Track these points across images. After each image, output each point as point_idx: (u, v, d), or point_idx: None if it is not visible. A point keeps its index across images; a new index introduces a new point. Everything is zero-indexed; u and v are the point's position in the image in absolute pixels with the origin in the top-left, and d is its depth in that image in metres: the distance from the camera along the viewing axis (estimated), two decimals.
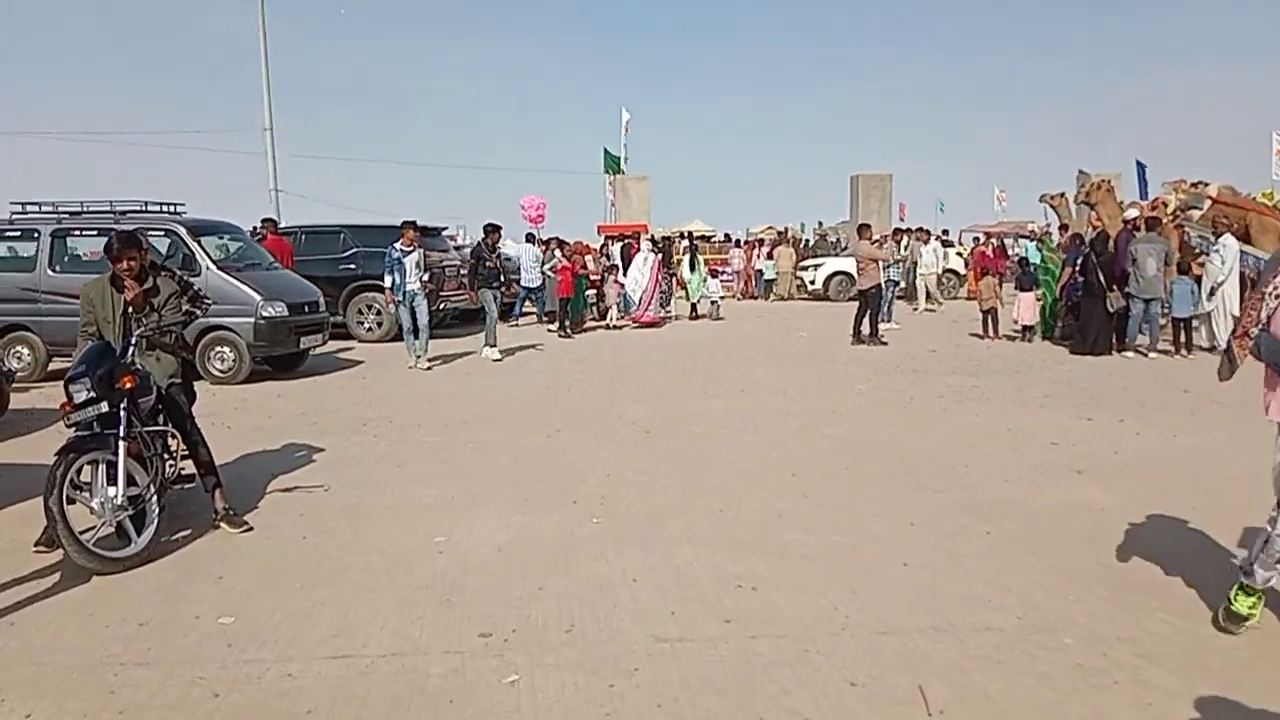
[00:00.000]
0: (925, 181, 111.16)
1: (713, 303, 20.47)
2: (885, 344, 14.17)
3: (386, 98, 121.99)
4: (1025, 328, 14.23)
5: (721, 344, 14.94)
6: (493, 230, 13.66)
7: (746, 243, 29.03)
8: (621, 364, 12.65)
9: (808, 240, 35.66)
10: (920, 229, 23.36)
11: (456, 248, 20.18)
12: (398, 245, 12.26)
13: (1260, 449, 6.55)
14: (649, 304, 18.43)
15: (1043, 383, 10.38)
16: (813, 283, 25.49)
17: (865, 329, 14.49)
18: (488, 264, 13.35)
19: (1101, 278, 12.48)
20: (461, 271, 17.67)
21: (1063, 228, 20.64)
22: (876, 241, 16.17)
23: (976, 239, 31.25)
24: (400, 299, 12.23)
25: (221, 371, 11.23)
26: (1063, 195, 23.33)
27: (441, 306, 16.66)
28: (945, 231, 25.09)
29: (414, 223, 12.50)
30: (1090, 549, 4.79)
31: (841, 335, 15.44)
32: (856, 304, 15.22)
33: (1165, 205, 14.68)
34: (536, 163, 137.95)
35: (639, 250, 19.03)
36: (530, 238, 19.73)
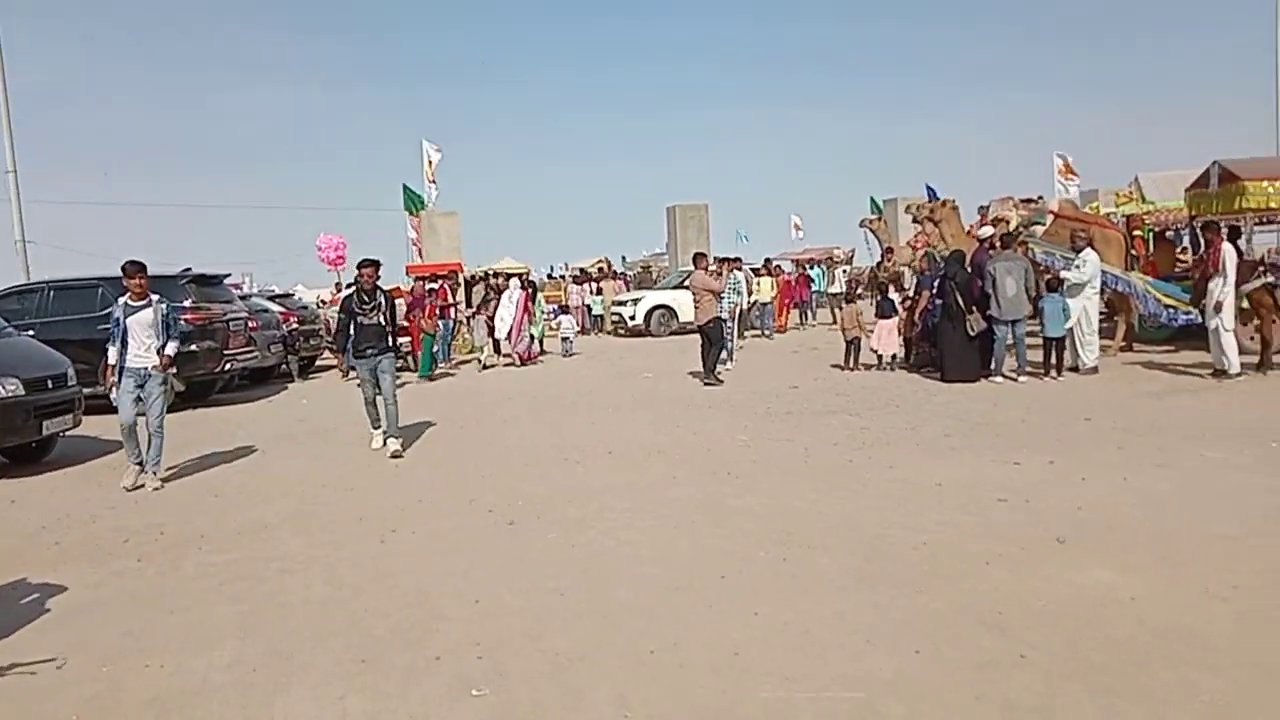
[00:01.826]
0: (725, 213, 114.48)
1: (564, 339, 19.29)
2: (721, 383, 12.99)
3: (160, 138, 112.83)
4: (890, 356, 13.42)
5: (563, 392, 13.31)
6: (368, 265, 9.23)
7: (573, 278, 27.61)
8: (458, 426, 10.77)
9: (623, 273, 34.74)
10: (733, 258, 21.95)
11: (243, 297, 17.52)
12: (123, 300, 8.10)
13: (1216, 490, 5.54)
14: (518, 338, 17.78)
15: (932, 419, 9.42)
16: (632, 318, 23.69)
17: (718, 365, 13.33)
18: (368, 319, 9.09)
19: (960, 300, 11.83)
20: (250, 326, 15.22)
21: (887, 251, 20.58)
22: (713, 271, 15.06)
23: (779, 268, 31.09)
24: (116, 381, 8.06)
25: None
26: (881, 218, 23.51)
27: (226, 367, 14.17)
28: (768, 261, 24.47)
29: (139, 264, 8.12)
30: (1174, 672, 3.52)
31: (683, 374, 14.24)
32: (700, 340, 14.11)
33: (1007, 222, 14.39)
34: (333, 201, 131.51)
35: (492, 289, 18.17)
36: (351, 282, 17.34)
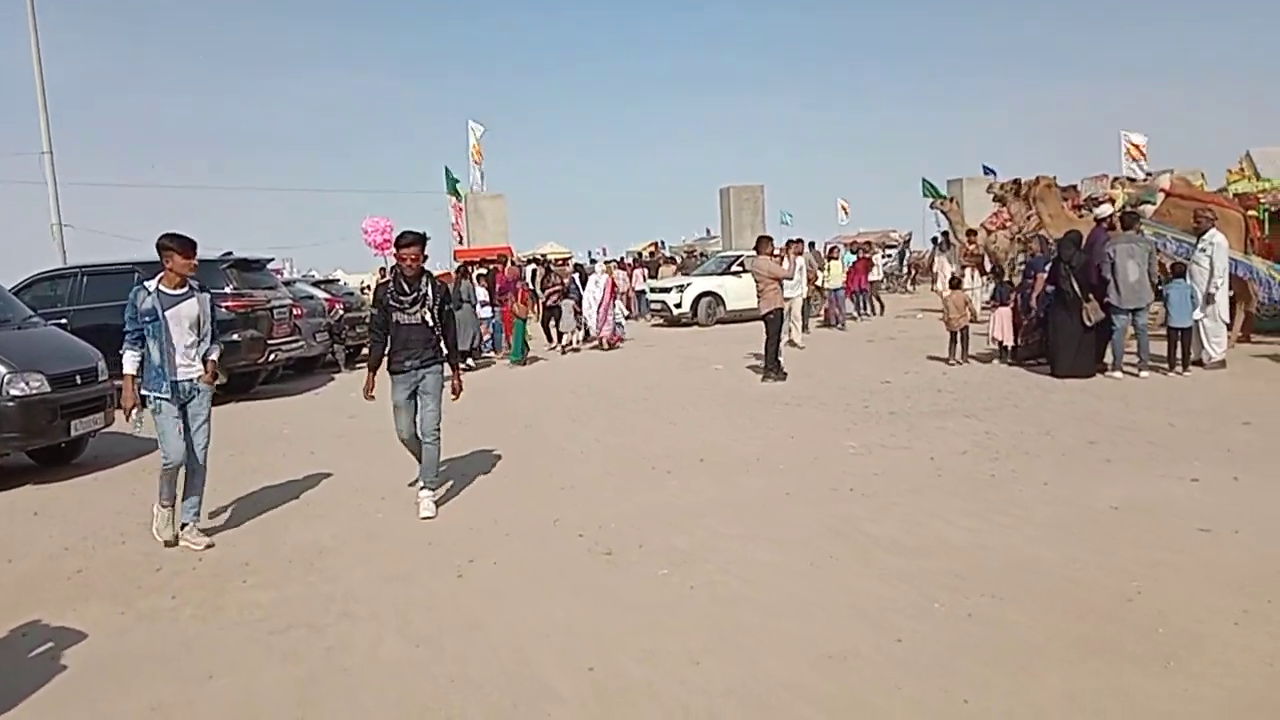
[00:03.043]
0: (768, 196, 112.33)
1: (618, 324, 18.34)
2: (784, 377, 11.91)
3: (199, 124, 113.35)
4: (1003, 347, 12.19)
5: (631, 386, 12.30)
6: (411, 243, 6.32)
7: (626, 262, 26.55)
8: (524, 425, 9.80)
9: (670, 257, 33.54)
10: (796, 240, 20.21)
11: (286, 283, 16.69)
12: (153, 285, 5.78)
13: None
14: (604, 322, 17.51)
15: (1063, 422, 8.28)
16: (678, 306, 21.65)
17: (782, 357, 12.25)
18: (409, 317, 6.31)
19: (1076, 286, 10.63)
20: (295, 314, 14.38)
21: (970, 233, 19.31)
22: (777, 256, 13.88)
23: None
24: (156, 399, 5.76)
25: None
26: (953, 200, 22.19)
27: (271, 357, 13.35)
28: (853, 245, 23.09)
29: (189, 240, 5.89)
30: None
31: (750, 367, 13.20)
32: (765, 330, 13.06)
33: (1112, 201, 13.13)
34: (377, 184, 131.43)
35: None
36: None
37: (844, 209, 52.92)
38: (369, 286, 24.10)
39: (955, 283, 13.22)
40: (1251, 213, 14.24)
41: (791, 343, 14.95)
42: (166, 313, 5.74)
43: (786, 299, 13.99)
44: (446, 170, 30.20)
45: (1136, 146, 31.54)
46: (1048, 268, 11.18)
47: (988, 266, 17.65)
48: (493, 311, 16.53)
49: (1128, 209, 12.76)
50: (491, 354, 16.00)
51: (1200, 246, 10.68)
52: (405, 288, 6.27)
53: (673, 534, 5.56)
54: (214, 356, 6.01)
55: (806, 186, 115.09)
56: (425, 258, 6.47)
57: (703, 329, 20.75)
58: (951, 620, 4.06)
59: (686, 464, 7.45)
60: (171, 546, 5.82)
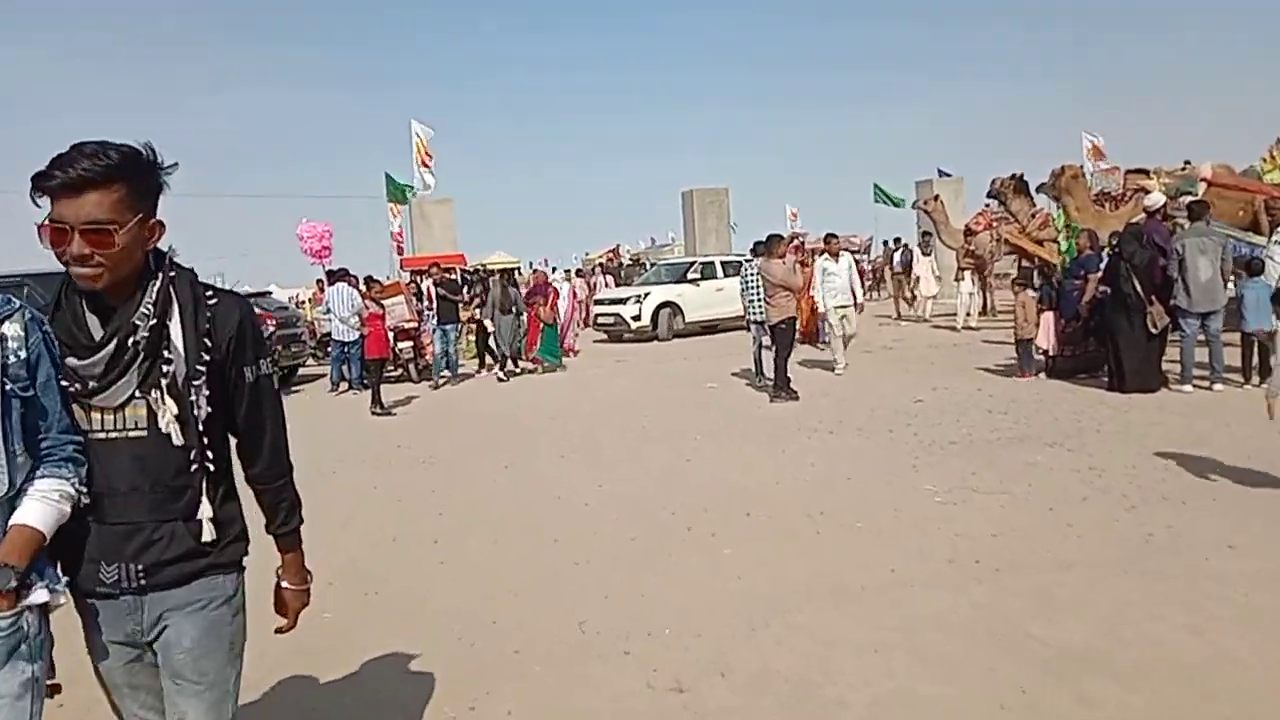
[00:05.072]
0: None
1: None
2: (797, 397, 10.34)
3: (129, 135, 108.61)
4: (1049, 358, 10.65)
5: (616, 411, 10.58)
6: (93, 178, 1.79)
7: (579, 272, 24.78)
8: (502, 465, 8.01)
9: (619, 264, 31.75)
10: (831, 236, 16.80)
11: None
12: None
13: None
14: (566, 333, 16.57)
15: (1171, 452, 6.78)
16: (636, 318, 19.27)
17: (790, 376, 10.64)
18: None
19: (1139, 288, 9.21)
20: None
21: (968, 233, 18.01)
22: (795, 259, 12.29)
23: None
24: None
25: None
26: (938, 199, 20.89)
27: None
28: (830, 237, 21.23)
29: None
30: None
31: (744, 383, 11.64)
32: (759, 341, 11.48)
33: (1145, 192, 11.80)
34: (314, 188, 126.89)
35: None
36: (338, 275, 14.39)
37: (793, 215, 51.90)
38: (305, 301, 22.00)
39: (1021, 282, 11.26)
40: None
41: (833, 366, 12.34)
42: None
43: (839, 308, 12.34)
44: (387, 176, 28.19)
45: (1096, 147, 30.93)
46: (1100, 267, 9.76)
47: (995, 269, 16.33)
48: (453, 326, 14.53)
49: (1168, 200, 11.46)
50: (446, 373, 14.08)
51: (1276, 239, 9.35)
52: (86, 323, 1.92)
53: (762, 645, 3.87)
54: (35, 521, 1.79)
55: (750, 195, 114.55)
56: (157, 232, 1.97)
57: (661, 343, 18.91)
58: None
59: (731, 520, 5.77)
60: None
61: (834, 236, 12.91)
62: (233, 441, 2.10)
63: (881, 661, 3.63)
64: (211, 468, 1.99)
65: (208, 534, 1.97)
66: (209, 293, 2.02)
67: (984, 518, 5.48)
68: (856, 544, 5.17)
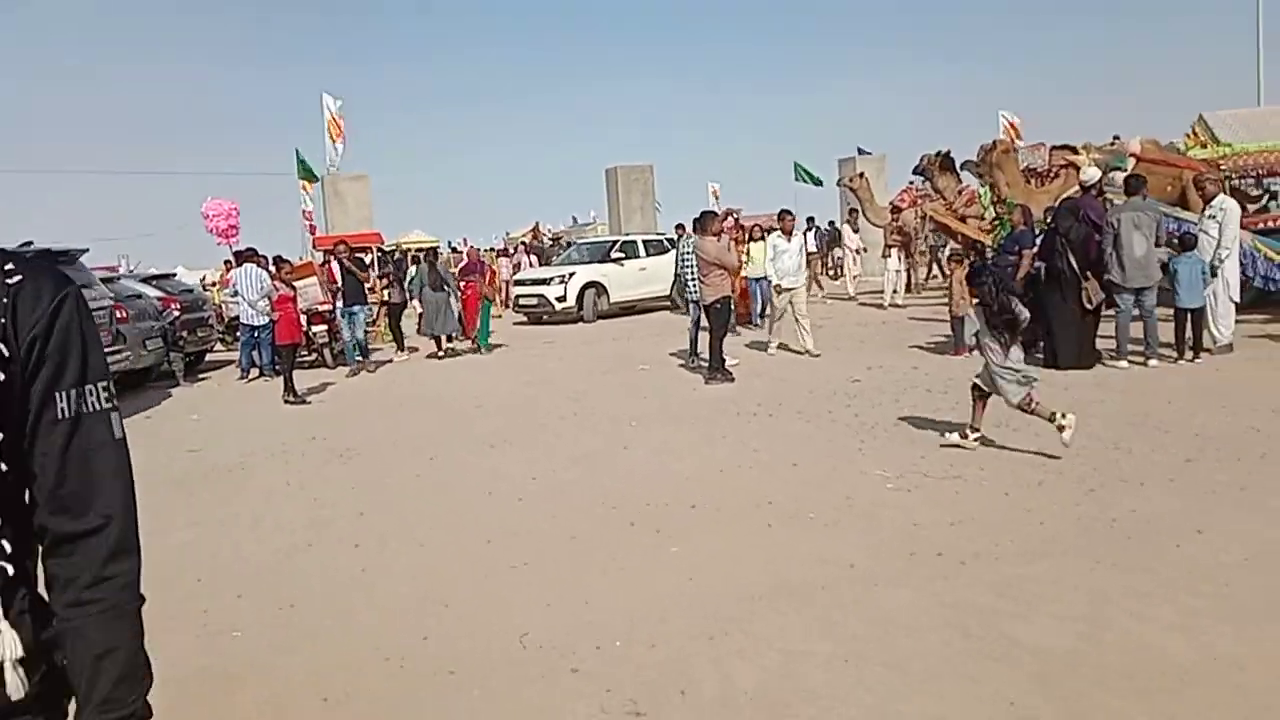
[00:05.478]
0: None
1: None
2: (733, 379, 10.07)
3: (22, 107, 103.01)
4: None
5: (546, 395, 10.15)
6: None
7: (504, 252, 24.11)
8: (426, 457, 7.52)
9: (543, 243, 31.07)
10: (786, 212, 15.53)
11: (107, 280, 13.62)
12: None
13: None
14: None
15: (1119, 430, 6.69)
16: (561, 299, 18.53)
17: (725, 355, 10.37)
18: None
19: (1073, 263, 9.14)
20: (117, 317, 11.60)
21: (894, 209, 17.99)
22: (730, 238, 11.97)
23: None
24: None
25: None
26: (863, 176, 20.83)
27: None
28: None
29: None
30: None
31: (676, 365, 11.37)
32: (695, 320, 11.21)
33: (1074, 168, 11.80)
34: (220, 166, 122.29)
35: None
36: (245, 256, 13.42)
37: (714, 193, 51.74)
38: (214, 283, 20.89)
39: (956, 258, 10.99)
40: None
41: (807, 351, 11.56)
42: None
43: (789, 289, 11.91)
44: (297, 153, 27.02)
45: (1013, 125, 31.39)
46: (1035, 242, 9.68)
47: (921, 246, 16.31)
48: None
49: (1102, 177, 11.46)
50: (360, 358, 13.34)
51: (1209, 214, 9.37)
52: None
53: (721, 657, 3.53)
54: None
55: (675, 170, 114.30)
56: None
57: (586, 325, 18.39)
58: None
59: (675, 513, 5.42)
60: None
61: (788, 213, 12.47)
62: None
63: (854, 674, 3.33)
64: (9, 567, 1.17)
65: (13, 687, 1.16)
66: (8, 265, 1.23)
67: (939, 504, 5.24)
68: (810, 537, 4.88)
